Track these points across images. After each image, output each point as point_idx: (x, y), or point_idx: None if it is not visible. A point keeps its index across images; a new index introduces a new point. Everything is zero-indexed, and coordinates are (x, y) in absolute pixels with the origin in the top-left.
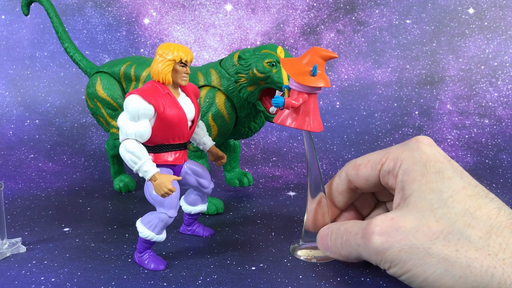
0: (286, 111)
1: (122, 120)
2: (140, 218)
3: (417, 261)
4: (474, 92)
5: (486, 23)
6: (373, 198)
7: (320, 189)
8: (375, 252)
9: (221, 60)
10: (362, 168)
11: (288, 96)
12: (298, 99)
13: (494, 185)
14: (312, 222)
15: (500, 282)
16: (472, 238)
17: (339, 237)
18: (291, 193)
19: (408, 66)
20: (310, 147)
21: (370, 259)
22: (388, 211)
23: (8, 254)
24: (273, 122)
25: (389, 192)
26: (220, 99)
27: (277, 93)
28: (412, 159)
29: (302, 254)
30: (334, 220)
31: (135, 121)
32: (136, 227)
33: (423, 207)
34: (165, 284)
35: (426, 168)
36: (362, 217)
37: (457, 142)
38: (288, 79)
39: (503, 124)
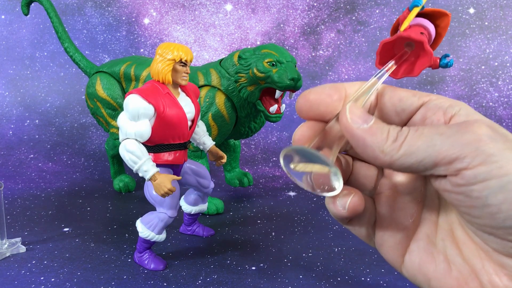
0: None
1: (122, 120)
2: (140, 218)
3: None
4: (475, 92)
5: (486, 23)
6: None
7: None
8: (471, 140)
9: (221, 60)
10: (402, 91)
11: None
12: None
13: None
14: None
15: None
16: None
17: (393, 130)
18: (291, 193)
19: None
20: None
21: (445, 153)
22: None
23: (8, 254)
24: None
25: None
26: (220, 99)
27: (277, 93)
28: (472, 111)
29: (300, 168)
30: None
31: (135, 120)
32: (136, 227)
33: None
34: (165, 284)
35: (494, 125)
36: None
37: None
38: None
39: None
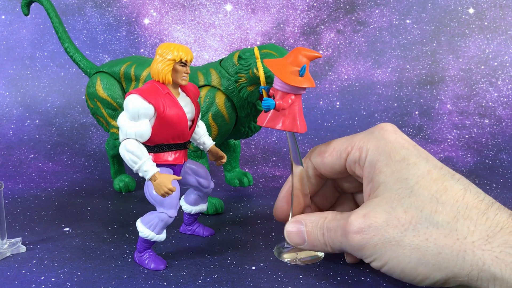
0: (270, 113)
1: (122, 120)
2: (140, 218)
3: (391, 254)
4: (474, 92)
5: (486, 23)
6: (335, 193)
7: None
8: (355, 249)
9: (221, 60)
10: (328, 156)
11: (266, 97)
12: (287, 101)
13: (494, 185)
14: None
15: (473, 265)
16: (440, 224)
17: (320, 232)
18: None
19: (408, 66)
20: (295, 148)
21: (354, 254)
22: (355, 202)
23: (8, 254)
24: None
25: (355, 182)
26: (220, 99)
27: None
28: (377, 149)
29: (287, 256)
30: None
31: (135, 120)
32: (136, 227)
33: (390, 198)
34: (165, 284)
35: (391, 157)
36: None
37: (457, 142)
38: (266, 81)
39: (503, 124)
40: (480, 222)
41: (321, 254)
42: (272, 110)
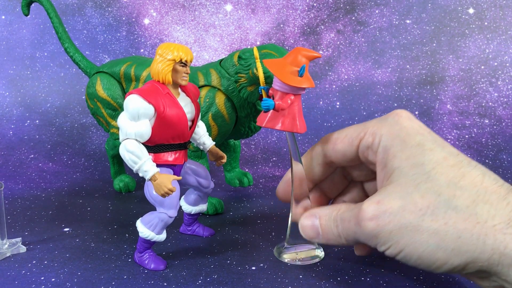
0: (269, 114)
1: (122, 120)
2: (140, 218)
3: (408, 240)
4: (474, 92)
5: (486, 23)
6: (343, 181)
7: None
8: (370, 236)
9: (221, 60)
10: (339, 143)
11: (265, 97)
12: (286, 101)
13: None
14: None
15: (494, 249)
16: (459, 208)
17: (334, 224)
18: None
19: (408, 66)
20: (295, 147)
21: (368, 243)
22: (364, 191)
23: (8, 254)
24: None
25: (366, 170)
26: (220, 99)
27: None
28: (391, 134)
29: (287, 257)
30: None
31: (135, 121)
32: (136, 227)
33: (406, 184)
34: (165, 284)
35: (406, 142)
36: (327, 199)
37: (457, 142)
38: (265, 81)
39: (503, 124)
40: (501, 206)
41: (321, 254)
42: (271, 111)
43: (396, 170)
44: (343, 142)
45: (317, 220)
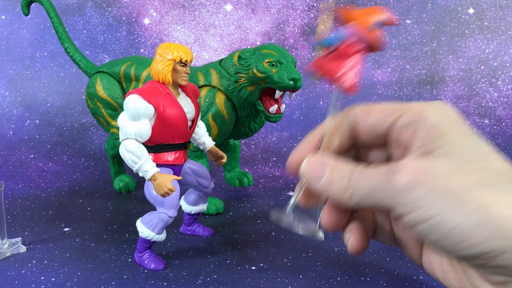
0: (329, 56)
1: (122, 120)
2: (140, 218)
3: (447, 206)
4: (474, 92)
5: (486, 23)
6: None
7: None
8: (396, 192)
9: (221, 60)
10: (374, 113)
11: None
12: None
13: None
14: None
15: None
16: None
17: (347, 175)
18: (291, 193)
19: (408, 66)
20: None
21: (383, 202)
22: None
23: (8, 254)
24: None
25: (384, 155)
26: (220, 99)
27: (277, 93)
28: (440, 115)
29: (287, 220)
30: None
31: (135, 120)
32: (136, 227)
33: (459, 156)
34: (165, 284)
35: (459, 123)
36: None
37: None
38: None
39: (503, 124)
40: None
41: (321, 235)
42: (333, 53)
43: (446, 145)
44: (380, 113)
45: (330, 161)
